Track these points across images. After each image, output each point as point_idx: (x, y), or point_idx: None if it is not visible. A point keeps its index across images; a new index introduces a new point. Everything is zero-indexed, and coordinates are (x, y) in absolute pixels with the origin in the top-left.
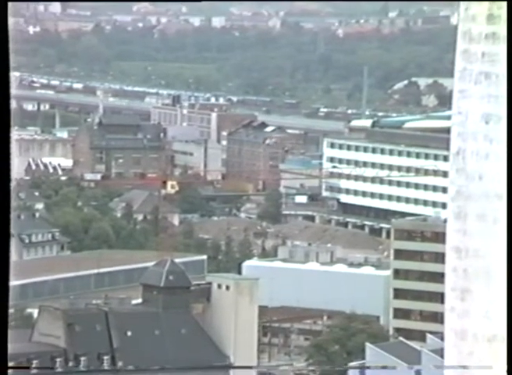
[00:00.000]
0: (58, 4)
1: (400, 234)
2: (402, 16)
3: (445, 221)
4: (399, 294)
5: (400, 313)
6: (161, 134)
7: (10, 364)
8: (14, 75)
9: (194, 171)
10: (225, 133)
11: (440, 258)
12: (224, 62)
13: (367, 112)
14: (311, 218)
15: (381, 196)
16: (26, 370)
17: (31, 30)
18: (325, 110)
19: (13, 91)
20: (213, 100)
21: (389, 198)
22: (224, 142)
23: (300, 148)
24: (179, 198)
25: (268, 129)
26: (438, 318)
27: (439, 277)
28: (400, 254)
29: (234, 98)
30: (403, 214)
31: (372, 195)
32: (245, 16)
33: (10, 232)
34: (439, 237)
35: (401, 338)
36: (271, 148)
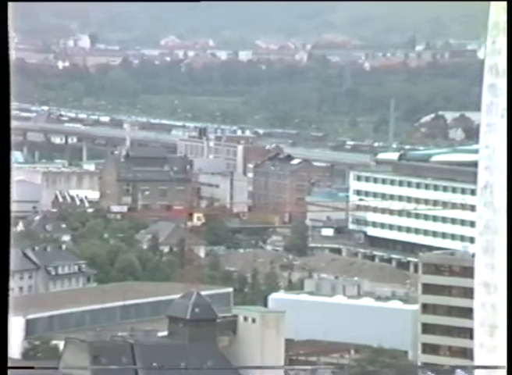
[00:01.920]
0: (87, 39)
1: (427, 268)
2: (429, 49)
3: (473, 255)
4: (427, 328)
5: (428, 348)
6: (188, 167)
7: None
8: (43, 109)
9: (220, 203)
10: (251, 166)
11: (469, 293)
12: (250, 95)
13: (393, 145)
14: (338, 251)
15: (408, 229)
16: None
17: (60, 65)
18: (352, 143)
19: (42, 124)
20: (239, 132)
21: (417, 231)
22: (250, 174)
23: (327, 180)
24: (206, 230)
25: (295, 161)
26: (467, 354)
27: (468, 312)
28: (427, 288)
29: (260, 131)
30: (431, 248)
31: (399, 228)
32: (272, 50)
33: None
34: (468, 271)
35: (430, 373)
36: (297, 181)
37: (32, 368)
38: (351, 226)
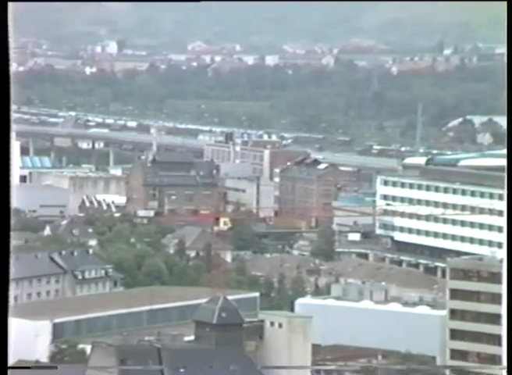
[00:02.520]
0: (114, 45)
1: (455, 274)
2: (457, 53)
3: (501, 261)
4: (455, 334)
5: (456, 354)
6: (214, 171)
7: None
8: (70, 114)
9: (247, 208)
10: (277, 170)
11: (497, 298)
12: (277, 99)
13: (421, 150)
14: (365, 256)
15: (435, 234)
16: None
17: (88, 70)
18: (379, 147)
19: (69, 129)
20: (266, 137)
21: (444, 236)
22: (277, 179)
23: (353, 185)
24: (232, 235)
25: (321, 166)
26: (496, 360)
27: (497, 319)
28: (455, 294)
29: (287, 135)
30: (459, 253)
31: (427, 233)
32: (298, 54)
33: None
34: (496, 277)
35: None
36: (324, 185)
37: (32, 368)
38: (378, 231)
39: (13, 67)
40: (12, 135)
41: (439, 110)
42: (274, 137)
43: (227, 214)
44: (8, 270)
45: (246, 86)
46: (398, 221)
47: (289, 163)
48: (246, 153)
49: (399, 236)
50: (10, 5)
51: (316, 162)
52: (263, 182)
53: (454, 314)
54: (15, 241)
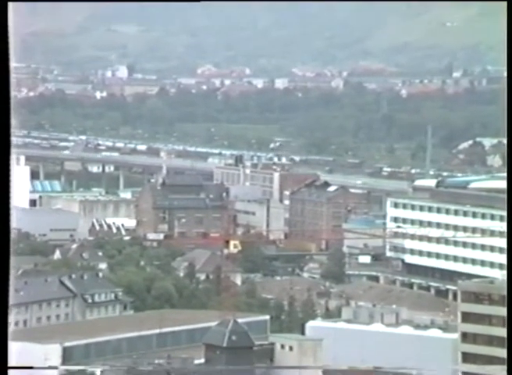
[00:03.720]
0: (125, 69)
1: (467, 297)
2: (466, 75)
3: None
4: (467, 358)
5: None
6: (224, 194)
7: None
8: (80, 138)
9: (257, 230)
10: (287, 193)
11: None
12: (287, 122)
13: (431, 172)
14: (375, 278)
15: (446, 257)
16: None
17: (98, 95)
18: (389, 169)
19: (79, 153)
20: (275, 160)
21: (455, 259)
22: (286, 201)
23: (364, 207)
24: (242, 258)
25: (331, 188)
26: None
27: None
28: (467, 317)
29: (297, 158)
30: (470, 276)
31: (437, 256)
32: (308, 77)
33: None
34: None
35: None
36: (334, 208)
37: (32, 368)
38: (389, 254)
39: (23, 93)
40: (22, 159)
41: (448, 132)
42: (284, 160)
43: (237, 237)
44: (8, 269)
45: (255, 109)
46: (408, 243)
47: (298, 186)
48: (255, 176)
49: (409, 258)
50: (24, 32)
51: (326, 184)
52: (273, 204)
53: (466, 337)
54: (25, 264)
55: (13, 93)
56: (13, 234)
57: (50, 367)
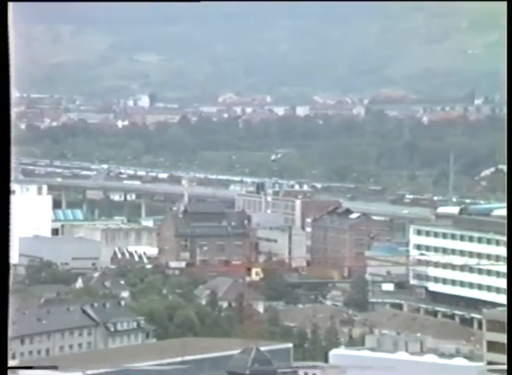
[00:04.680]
0: (146, 98)
1: (492, 325)
2: (488, 102)
3: None
4: None
5: None
6: (246, 221)
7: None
8: (102, 167)
9: (279, 258)
10: (309, 220)
11: None
12: (308, 149)
13: (454, 199)
14: (399, 306)
15: (470, 285)
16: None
17: (120, 124)
18: (411, 197)
19: (101, 182)
20: (297, 187)
21: (479, 287)
22: (308, 229)
23: (386, 234)
24: (264, 285)
25: (353, 215)
26: None
27: None
28: (493, 346)
29: (318, 185)
30: (495, 304)
31: (462, 284)
32: (329, 105)
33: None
34: None
35: None
36: (356, 235)
37: (32, 368)
38: (412, 282)
39: (46, 123)
40: (45, 189)
41: (471, 159)
42: (305, 187)
43: (259, 264)
44: (8, 267)
45: (277, 136)
46: (432, 271)
47: (320, 213)
48: (277, 203)
49: (433, 286)
50: (40, 62)
51: (348, 211)
52: (295, 232)
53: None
54: (47, 293)
55: (36, 123)
56: (36, 263)
57: (50, 367)
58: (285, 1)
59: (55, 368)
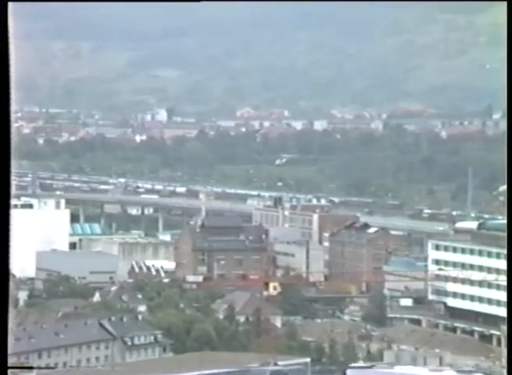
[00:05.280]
0: (164, 113)
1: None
2: (506, 117)
3: None
4: None
5: None
6: (263, 236)
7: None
8: (120, 181)
9: (296, 272)
10: (327, 235)
11: None
12: (326, 163)
13: (472, 214)
14: (418, 322)
15: (489, 301)
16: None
17: (138, 138)
18: (429, 211)
19: (119, 196)
20: (315, 201)
21: (498, 303)
22: (326, 243)
23: (404, 249)
24: (282, 300)
25: (371, 230)
26: None
27: None
28: None
29: (336, 199)
30: None
31: (480, 300)
32: (347, 119)
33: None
34: None
35: None
36: (374, 250)
37: (32, 368)
38: (431, 297)
39: (65, 137)
40: (62, 203)
41: (489, 174)
42: (323, 201)
43: (277, 279)
44: (8, 266)
45: (294, 150)
46: (451, 286)
47: (338, 227)
48: (295, 217)
49: (452, 302)
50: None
51: (366, 226)
52: (312, 246)
53: None
54: (64, 307)
55: (55, 138)
56: (53, 277)
57: (49, 367)
58: (302, 14)
59: (54, 369)
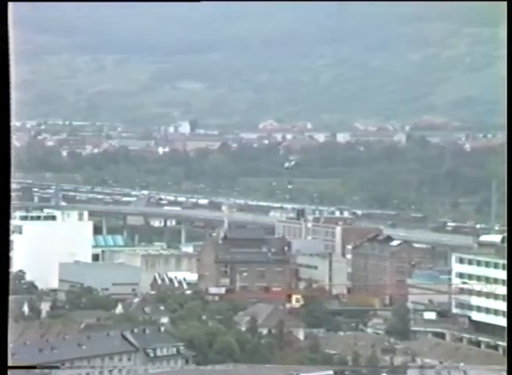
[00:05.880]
0: (187, 125)
1: None
2: None
3: None
4: None
5: None
6: (286, 248)
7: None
8: (143, 193)
9: (319, 285)
10: (350, 247)
11: None
12: (349, 176)
13: (496, 227)
14: (442, 335)
15: None
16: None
17: (161, 150)
18: (453, 224)
19: (142, 208)
20: (338, 213)
21: None
22: (349, 256)
23: (428, 262)
24: (305, 312)
25: (394, 243)
26: None
27: None
28: None
29: (359, 212)
30: None
31: (505, 314)
32: (370, 131)
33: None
34: None
35: None
36: (397, 262)
37: (32, 368)
38: (455, 310)
39: (88, 150)
40: (85, 215)
41: None
42: (346, 214)
43: (299, 291)
44: (8, 266)
45: (317, 163)
46: (475, 300)
47: (361, 240)
48: (317, 229)
49: (476, 316)
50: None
51: (389, 238)
52: (335, 259)
53: None
54: (87, 319)
55: (78, 150)
56: (76, 289)
57: (50, 367)
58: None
59: (57, 368)
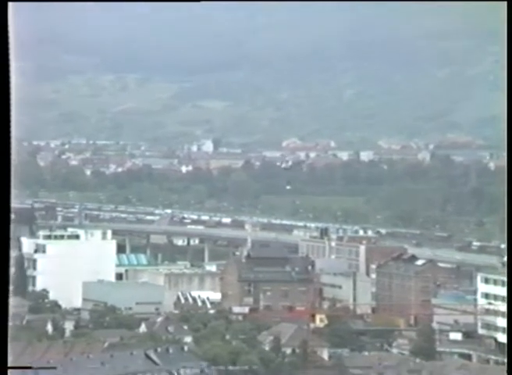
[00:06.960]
0: (210, 144)
1: None
2: None
3: None
4: None
5: None
6: (310, 267)
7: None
8: (166, 212)
9: (343, 304)
10: (374, 266)
11: None
12: (372, 194)
13: None
14: (468, 356)
15: None
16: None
17: (184, 169)
18: (478, 244)
19: (165, 227)
20: (361, 232)
21: None
22: (373, 275)
23: (453, 282)
24: (329, 332)
25: (419, 262)
26: None
27: None
28: None
29: (383, 231)
30: None
31: None
32: (394, 150)
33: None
34: None
35: None
36: (422, 282)
37: (31, 368)
38: (481, 331)
39: (112, 169)
40: (109, 233)
41: None
42: (370, 233)
43: (323, 310)
44: (8, 268)
45: (340, 181)
46: (501, 321)
47: (385, 259)
48: (341, 248)
49: (502, 337)
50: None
51: (414, 257)
52: (359, 278)
53: None
54: (111, 338)
55: (102, 169)
56: (100, 308)
57: (50, 367)
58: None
59: (54, 369)
